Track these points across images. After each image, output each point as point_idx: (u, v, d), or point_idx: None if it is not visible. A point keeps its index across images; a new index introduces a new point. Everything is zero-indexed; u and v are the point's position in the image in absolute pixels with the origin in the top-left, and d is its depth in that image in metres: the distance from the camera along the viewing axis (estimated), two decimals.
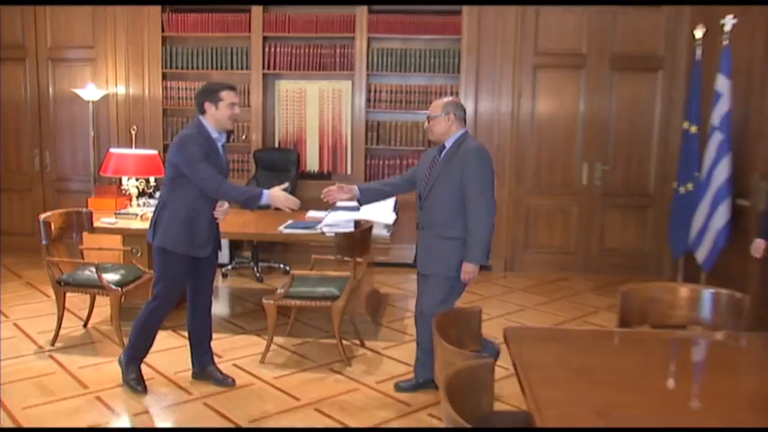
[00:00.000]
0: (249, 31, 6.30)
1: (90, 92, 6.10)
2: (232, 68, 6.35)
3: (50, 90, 6.63)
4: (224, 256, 5.95)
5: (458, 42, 6.30)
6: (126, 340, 3.94)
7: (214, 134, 3.48)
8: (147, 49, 6.43)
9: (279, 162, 6.18)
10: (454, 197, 3.25)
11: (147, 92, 6.44)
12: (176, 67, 6.43)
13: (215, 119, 3.47)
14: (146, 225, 4.39)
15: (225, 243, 5.99)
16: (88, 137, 6.31)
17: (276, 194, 3.43)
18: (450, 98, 3.39)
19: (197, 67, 6.36)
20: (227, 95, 3.47)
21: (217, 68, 6.36)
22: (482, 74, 6.27)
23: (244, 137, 6.47)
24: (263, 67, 6.35)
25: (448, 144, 3.30)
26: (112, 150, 4.87)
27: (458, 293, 3.44)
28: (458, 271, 3.32)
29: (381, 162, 6.42)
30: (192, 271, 3.62)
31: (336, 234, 3.97)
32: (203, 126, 3.46)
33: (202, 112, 3.49)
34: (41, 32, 6.56)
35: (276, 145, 6.56)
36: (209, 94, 3.48)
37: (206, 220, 3.53)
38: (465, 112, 3.40)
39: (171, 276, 3.54)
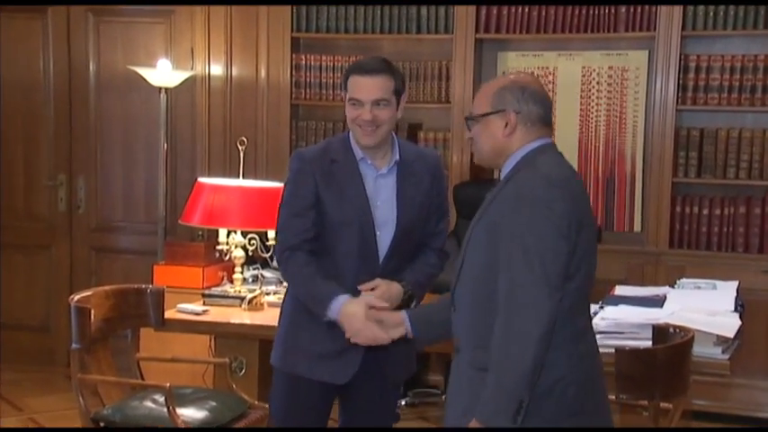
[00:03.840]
0: None
1: (162, 72, 4.66)
2: (418, 31, 4.75)
3: (90, 67, 5.17)
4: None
5: None
6: None
7: (358, 154, 2.68)
8: None
9: None
10: (492, 286, 2.20)
11: (263, 74, 5.00)
12: (316, 30, 4.82)
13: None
14: (257, 319, 3.76)
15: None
16: (156, 153, 4.91)
17: (349, 312, 2.60)
18: (514, 76, 2.32)
19: (355, 30, 4.82)
20: (352, 84, 2.62)
21: (390, 32, 4.79)
22: None
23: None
24: (477, 29, 4.69)
25: (504, 171, 2.30)
26: (202, 180, 4.11)
27: None
28: None
29: (703, 213, 4.76)
30: (322, 406, 2.90)
31: (617, 350, 3.07)
32: (346, 137, 2.71)
33: None
34: None
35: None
36: (344, 80, 2.70)
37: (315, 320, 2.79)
38: (545, 105, 2.24)
39: (280, 410, 2.94)
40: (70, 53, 5.09)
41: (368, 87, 2.59)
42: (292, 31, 4.73)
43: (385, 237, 2.68)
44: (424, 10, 4.62)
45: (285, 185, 2.78)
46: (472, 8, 4.57)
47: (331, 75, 4.79)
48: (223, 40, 4.86)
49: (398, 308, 2.75)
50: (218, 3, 4.92)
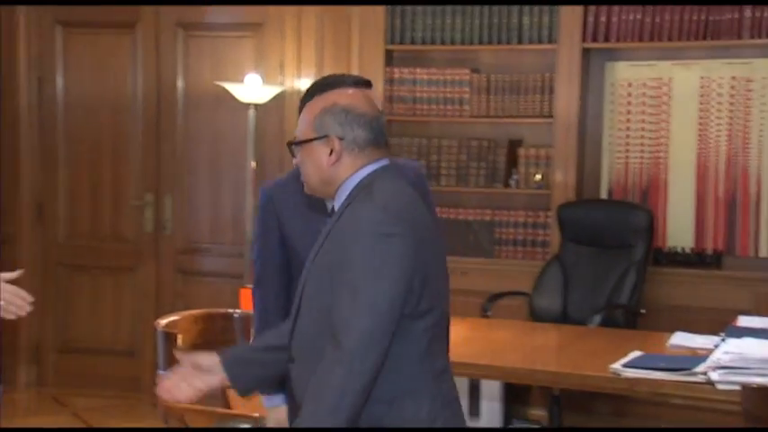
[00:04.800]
0: None
1: (251, 88, 4.63)
2: (519, 41, 4.61)
3: (178, 83, 5.16)
4: (494, 411, 4.68)
5: None
6: None
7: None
8: (359, 8, 4.84)
9: (606, 228, 4.61)
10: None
11: None
12: (411, 42, 4.71)
13: None
14: None
15: (494, 391, 4.60)
16: (244, 172, 4.86)
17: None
18: (338, 96, 2.07)
19: (452, 41, 4.69)
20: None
21: (489, 42, 4.65)
22: None
23: (537, 177, 4.64)
24: (584, 38, 4.51)
25: (338, 202, 2.14)
26: None
27: None
28: None
29: None
30: None
31: (743, 387, 3.04)
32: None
33: None
34: None
35: (604, 194, 4.89)
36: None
37: None
38: (373, 127, 2.04)
39: None
40: (159, 69, 5.10)
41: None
42: (386, 43, 4.60)
43: None
44: (526, 18, 4.43)
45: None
46: (578, 15, 4.36)
47: (425, 89, 4.65)
48: (314, 53, 4.79)
49: None
50: (301, 3, 4.80)
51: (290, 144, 2.11)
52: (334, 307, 1.94)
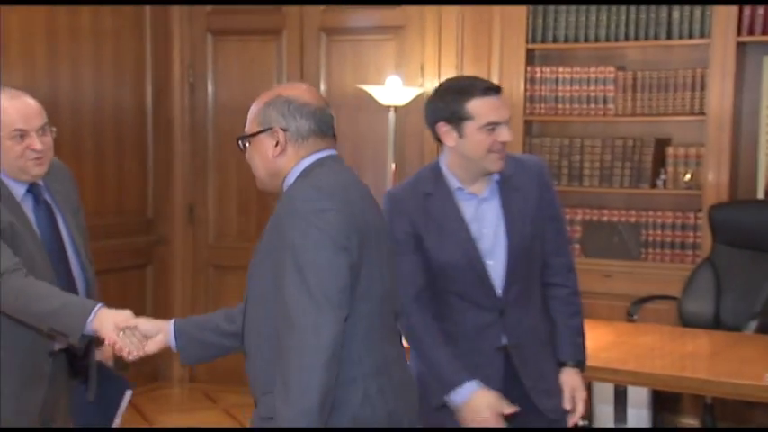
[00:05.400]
0: None
1: (391, 90, 4.60)
2: (668, 37, 4.39)
3: (321, 86, 5.12)
4: (641, 418, 4.41)
5: None
6: None
7: (454, 184, 2.49)
8: (500, 7, 4.68)
9: (764, 230, 4.28)
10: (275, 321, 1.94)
11: None
12: (553, 40, 4.58)
13: (461, 155, 2.44)
14: None
15: (641, 398, 4.33)
16: (384, 174, 4.82)
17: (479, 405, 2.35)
18: (281, 89, 2.06)
19: (590, 38, 4.53)
20: (480, 109, 2.37)
21: (636, 38, 4.45)
22: None
23: (687, 177, 4.41)
24: (739, 32, 4.23)
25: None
26: None
27: None
28: None
29: None
30: None
31: None
32: (437, 166, 2.52)
33: (438, 141, 2.50)
34: None
35: (760, 195, 4.54)
36: (444, 106, 2.41)
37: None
38: (316, 117, 2.01)
39: None
40: (302, 74, 5.06)
41: (502, 106, 2.40)
42: (527, 42, 4.46)
43: (497, 265, 2.47)
44: (676, 13, 4.20)
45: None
46: (734, 8, 4.08)
47: (568, 88, 4.47)
48: (454, 54, 4.69)
49: None
50: (443, 3, 4.72)
51: (238, 140, 2.06)
52: (281, 290, 1.85)
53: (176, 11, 5.07)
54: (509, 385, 2.46)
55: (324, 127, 1.99)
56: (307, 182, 1.92)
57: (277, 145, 1.96)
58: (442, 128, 2.41)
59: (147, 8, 4.97)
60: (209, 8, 5.05)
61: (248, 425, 5.04)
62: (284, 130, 1.96)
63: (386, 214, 2.42)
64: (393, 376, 1.96)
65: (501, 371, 2.47)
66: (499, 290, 2.46)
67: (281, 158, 1.98)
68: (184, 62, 5.14)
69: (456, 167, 2.45)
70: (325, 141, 2.01)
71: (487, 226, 2.48)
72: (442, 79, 4.56)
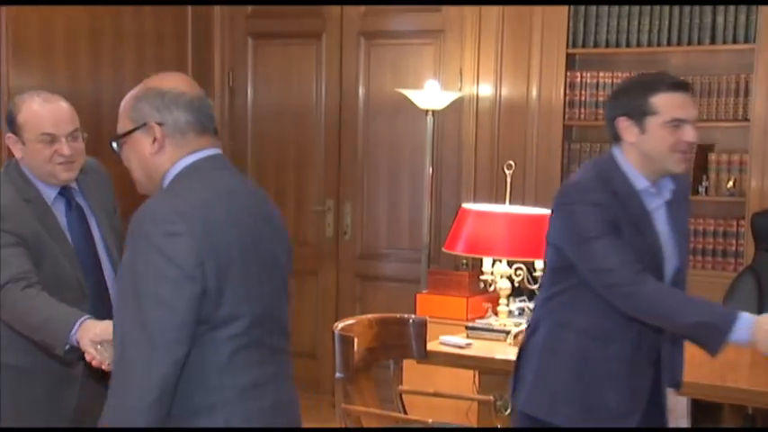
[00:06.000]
0: None
1: (430, 94, 4.61)
2: (712, 42, 4.40)
3: (360, 91, 5.16)
4: (681, 427, 4.18)
5: None
6: None
7: (640, 183, 2.42)
8: (540, 11, 4.68)
9: None
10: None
11: (534, 93, 4.77)
12: (594, 45, 4.59)
13: (641, 152, 2.39)
14: None
15: (681, 407, 3.97)
16: (421, 179, 4.86)
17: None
18: (152, 81, 1.87)
19: (632, 43, 4.53)
20: (666, 103, 2.33)
21: (679, 43, 4.45)
22: None
23: (730, 183, 4.41)
24: None
25: None
26: (467, 206, 4.04)
27: None
28: None
29: None
30: None
31: None
32: (616, 165, 2.43)
33: (616, 138, 2.44)
34: None
35: None
36: (627, 101, 2.39)
37: (617, 361, 2.45)
38: (194, 108, 1.84)
39: None
40: (341, 78, 5.14)
41: (690, 104, 2.34)
42: (568, 47, 4.48)
43: (667, 272, 2.44)
44: (720, 18, 4.20)
45: (576, 225, 2.44)
46: None
47: (609, 92, 4.43)
48: (493, 58, 4.73)
49: None
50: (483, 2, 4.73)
51: (111, 142, 1.87)
52: (117, 312, 1.74)
53: (217, 14, 5.16)
54: (654, 396, 2.47)
55: (204, 119, 1.83)
56: (165, 197, 1.77)
57: (154, 142, 1.79)
58: (623, 123, 2.36)
59: (189, 11, 5.06)
60: (249, 11, 5.15)
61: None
62: (160, 124, 1.79)
63: (570, 206, 2.39)
64: (265, 399, 1.83)
65: (650, 383, 2.46)
66: None
67: (159, 156, 1.81)
68: (225, 65, 5.23)
69: (638, 165, 2.40)
70: (206, 138, 1.84)
71: (662, 232, 2.45)
72: (481, 84, 4.65)
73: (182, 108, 1.79)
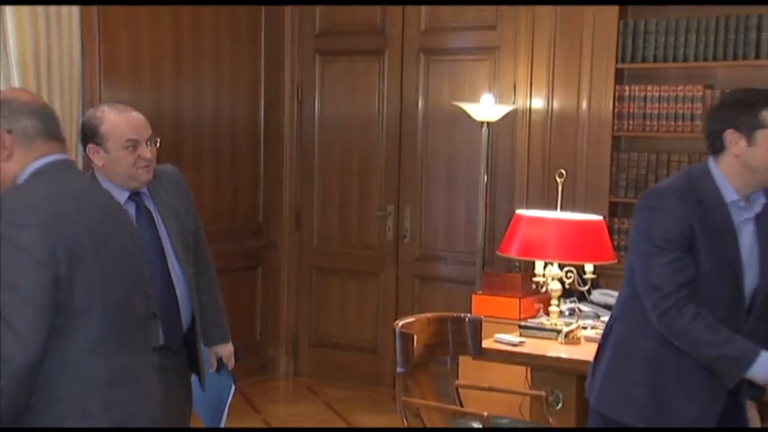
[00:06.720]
0: None
1: (485, 107, 4.58)
2: (757, 57, 4.24)
3: (419, 104, 5.13)
4: None
5: None
6: None
7: (730, 195, 2.29)
8: (591, 29, 4.57)
9: None
10: None
11: (584, 106, 4.66)
12: (642, 60, 4.48)
13: (745, 164, 2.28)
14: (573, 353, 3.51)
15: None
16: (476, 186, 4.78)
17: None
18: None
19: (679, 58, 4.40)
20: None
21: (724, 58, 4.31)
22: None
23: None
24: None
25: None
26: (520, 212, 3.95)
27: None
28: None
29: None
30: None
31: None
32: (709, 176, 2.31)
33: (716, 149, 2.31)
34: (412, 7, 5.07)
35: None
36: (736, 114, 2.27)
37: (692, 369, 2.30)
38: (39, 115, 1.81)
39: None
40: (402, 92, 5.11)
41: None
42: (617, 62, 4.41)
43: (747, 289, 2.33)
44: (764, 34, 4.08)
45: (644, 234, 2.34)
46: None
47: (656, 105, 4.39)
48: (545, 73, 4.65)
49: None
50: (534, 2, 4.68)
51: None
52: None
53: (288, 33, 5.19)
54: (731, 408, 2.37)
55: (50, 126, 1.82)
56: (12, 193, 1.75)
57: (3, 150, 1.77)
58: (731, 135, 2.27)
59: (262, 32, 5.10)
60: (317, 31, 5.16)
61: (345, 417, 4.88)
62: (9, 131, 1.78)
63: (649, 211, 2.30)
64: (123, 390, 1.78)
65: (725, 393, 2.34)
66: (743, 314, 2.35)
67: (8, 164, 1.79)
68: (294, 81, 5.25)
69: (734, 177, 2.31)
70: (54, 144, 1.82)
71: (745, 246, 2.35)
72: (534, 97, 4.62)
73: (29, 115, 1.79)
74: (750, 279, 2.31)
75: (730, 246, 2.29)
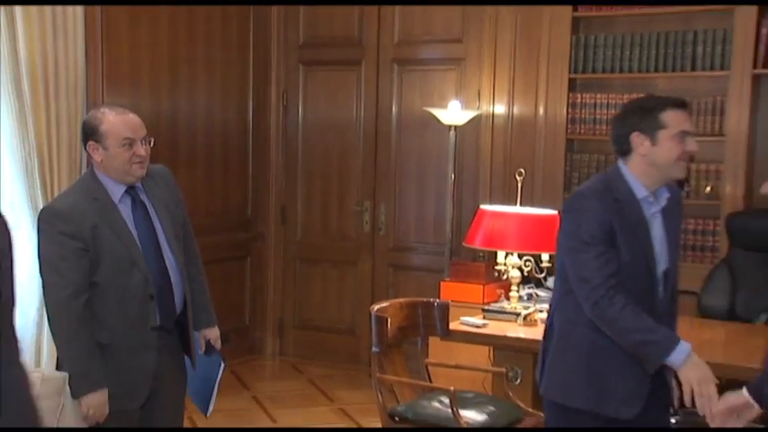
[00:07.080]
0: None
1: (453, 112, 4.62)
2: (693, 69, 4.36)
3: (393, 109, 5.17)
4: None
5: None
6: None
7: (641, 192, 2.34)
8: (547, 43, 4.65)
9: None
10: None
11: (541, 112, 4.74)
12: (590, 71, 4.59)
13: (651, 163, 2.32)
14: (531, 333, 3.51)
15: None
16: (444, 184, 4.84)
17: (699, 362, 2.23)
18: None
19: (624, 69, 4.52)
20: (673, 119, 2.28)
21: (664, 70, 4.41)
22: None
23: (708, 189, 4.38)
24: (755, 64, 4.17)
25: None
26: (484, 208, 3.99)
27: None
28: None
29: None
30: None
31: None
32: (621, 176, 2.36)
33: (624, 152, 2.36)
34: (387, 21, 5.11)
35: None
36: (639, 119, 2.31)
37: (621, 352, 2.30)
38: None
39: None
40: (378, 98, 5.13)
41: (690, 119, 2.33)
42: (570, 72, 4.54)
43: (658, 271, 2.37)
44: (699, 49, 4.21)
45: (570, 232, 2.37)
46: (751, 44, 4.08)
47: (605, 111, 4.50)
48: (507, 82, 4.72)
49: None
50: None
51: None
52: None
53: (274, 45, 5.23)
54: (656, 384, 2.35)
55: None
56: None
57: None
58: (636, 137, 2.29)
59: (251, 43, 5.13)
60: (301, 42, 5.19)
61: (326, 392, 4.78)
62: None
63: (574, 212, 2.33)
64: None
65: (648, 384, 2.33)
66: (658, 300, 2.36)
67: None
68: (280, 88, 5.30)
69: (643, 175, 2.33)
70: None
71: (656, 236, 2.37)
72: (496, 104, 4.72)
73: None
74: (660, 265, 2.36)
75: (644, 237, 2.33)
